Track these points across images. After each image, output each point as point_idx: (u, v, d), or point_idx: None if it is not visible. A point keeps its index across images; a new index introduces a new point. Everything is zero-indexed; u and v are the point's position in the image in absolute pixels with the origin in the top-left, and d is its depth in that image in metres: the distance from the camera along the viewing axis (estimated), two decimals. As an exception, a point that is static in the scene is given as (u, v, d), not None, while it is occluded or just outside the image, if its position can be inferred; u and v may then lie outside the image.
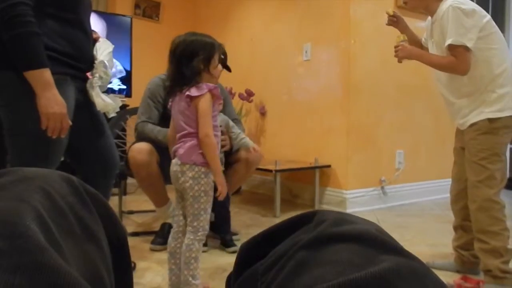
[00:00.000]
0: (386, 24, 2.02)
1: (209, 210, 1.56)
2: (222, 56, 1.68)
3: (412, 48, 1.87)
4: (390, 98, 3.35)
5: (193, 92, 1.50)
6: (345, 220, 0.44)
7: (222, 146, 2.17)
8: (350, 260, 0.37)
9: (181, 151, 1.54)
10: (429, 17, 1.88)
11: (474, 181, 1.75)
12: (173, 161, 1.58)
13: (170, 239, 1.64)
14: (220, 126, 2.18)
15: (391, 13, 1.97)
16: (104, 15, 3.87)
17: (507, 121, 1.71)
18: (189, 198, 1.52)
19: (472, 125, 1.77)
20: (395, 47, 1.87)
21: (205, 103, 1.51)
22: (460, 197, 1.88)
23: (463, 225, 1.89)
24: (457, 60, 1.69)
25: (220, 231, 2.30)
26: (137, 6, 4.40)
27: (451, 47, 1.69)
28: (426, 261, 1.99)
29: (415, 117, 3.52)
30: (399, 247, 0.40)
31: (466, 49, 1.67)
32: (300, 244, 0.41)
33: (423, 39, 2.02)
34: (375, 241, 0.39)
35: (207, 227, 1.56)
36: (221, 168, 2.06)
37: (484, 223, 1.71)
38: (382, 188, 3.33)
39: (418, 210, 3.24)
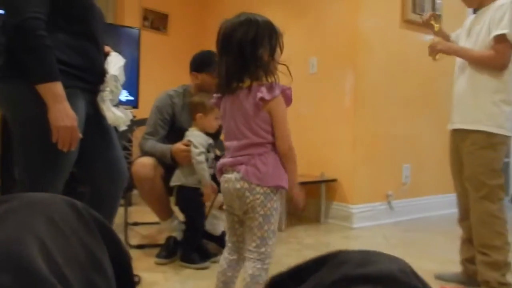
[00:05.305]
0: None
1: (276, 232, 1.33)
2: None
3: (451, 43, 1.91)
4: (396, 112, 3.34)
5: (266, 94, 1.24)
6: (369, 260, 0.45)
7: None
8: None
9: (253, 170, 1.27)
10: (471, 16, 1.89)
11: (476, 196, 1.77)
12: (232, 176, 1.31)
13: (225, 267, 1.38)
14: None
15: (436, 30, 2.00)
16: (112, 27, 3.90)
17: (503, 138, 1.75)
18: (257, 219, 1.28)
19: (467, 134, 1.79)
20: (431, 45, 1.89)
21: (282, 108, 1.28)
22: (469, 214, 1.85)
23: (472, 239, 1.86)
24: (497, 54, 1.70)
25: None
26: (145, 18, 4.45)
27: (499, 39, 1.68)
28: (435, 273, 1.98)
29: (422, 131, 3.51)
30: None
31: (511, 46, 1.69)
32: (324, 285, 0.42)
33: (452, 36, 2.04)
34: (397, 283, 0.41)
35: (273, 253, 1.30)
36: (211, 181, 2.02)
37: (486, 237, 1.74)
38: (389, 202, 3.30)
39: (425, 225, 3.21)
